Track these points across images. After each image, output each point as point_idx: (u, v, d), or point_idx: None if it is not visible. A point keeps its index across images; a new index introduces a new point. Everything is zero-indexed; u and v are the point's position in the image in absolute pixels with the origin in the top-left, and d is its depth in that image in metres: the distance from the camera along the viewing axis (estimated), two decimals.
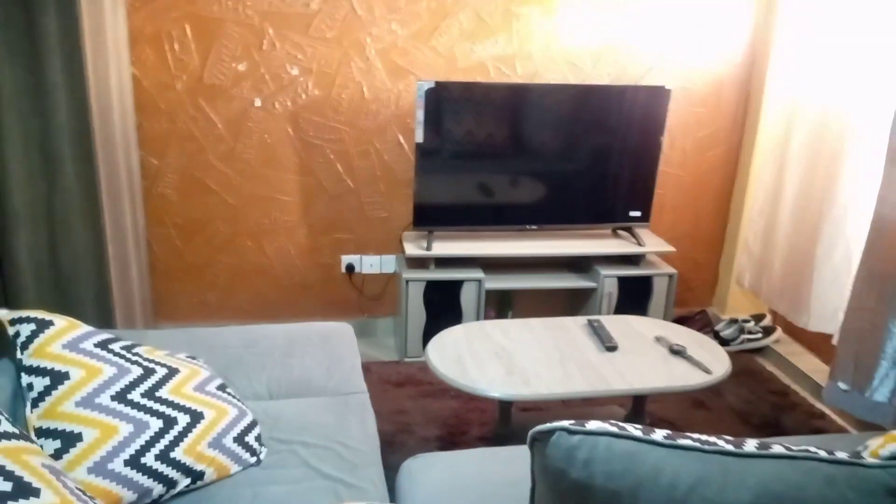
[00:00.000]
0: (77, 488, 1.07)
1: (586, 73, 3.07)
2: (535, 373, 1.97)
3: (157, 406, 1.43)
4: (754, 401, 2.77)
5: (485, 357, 2.04)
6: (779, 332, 3.16)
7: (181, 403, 1.47)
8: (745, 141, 3.28)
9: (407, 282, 2.88)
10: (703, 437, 0.99)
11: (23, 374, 1.38)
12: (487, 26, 2.93)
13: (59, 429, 1.32)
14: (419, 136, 2.79)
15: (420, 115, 2.75)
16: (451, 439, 2.43)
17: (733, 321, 3.21)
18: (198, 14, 2.73)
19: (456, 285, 2.92)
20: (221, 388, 1.61)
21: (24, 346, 1.39)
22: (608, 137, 2.96)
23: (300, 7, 2.78)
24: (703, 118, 3.23)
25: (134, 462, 1.34)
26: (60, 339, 1.42)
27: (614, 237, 3.16)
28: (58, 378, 1.37)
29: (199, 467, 1.42)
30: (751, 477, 0.93)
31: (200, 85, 2.82)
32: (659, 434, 0.98)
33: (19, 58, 2.15)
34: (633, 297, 3.05)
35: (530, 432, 1.00)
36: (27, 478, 0.98)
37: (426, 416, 2.55)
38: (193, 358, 1.72)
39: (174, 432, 1.42)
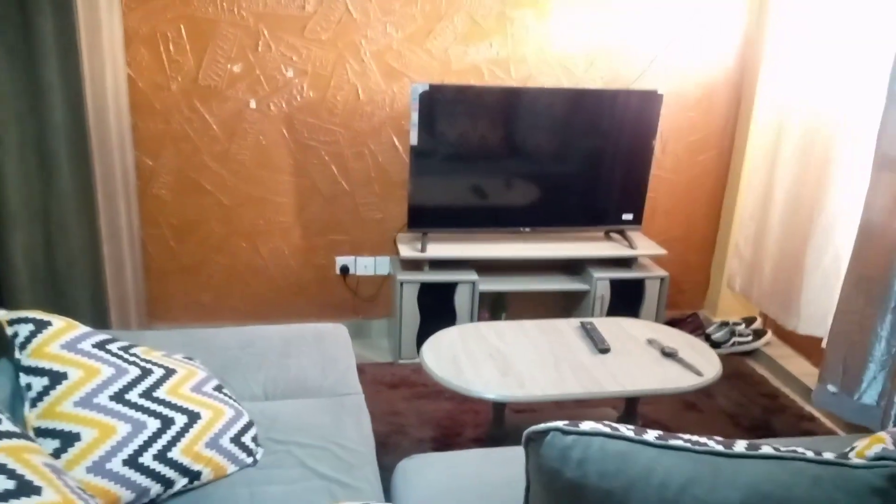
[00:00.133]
0: (77, 487, 1.08)
1: (579, 76, 3.09)
2: (529, 374, 1.99)
3: (154, 406, 1.44)
4: (745, 403, 2.80)
5: (479, 359, 2.06)
6: (769, 336, 3.19)
7: (178, 404, 1.48)
8: (736, 145, 3.32)
9: (401, 283, 2.89)
10: (694, 438, 1.01)
11: (21, 374, 1.38)
12: (481, 29, 2.95)
13: (58, 428, 1.33)
14: (413, 139, 2.81)
15: (414, 117, 2.77)
16: (445, 441, 2.44)
17: (724, 324, 3.24)
18: (193, 15, 2.74)
19: (450, 287, 2.93)
20: (218, 388, 1.62)
21: (23, 347, 1.40)
22: (601, 141, 2.98)
23: (295, 9, 2.80)
24: (695, 122, 3.26)
25: (132, 462, 1.35)
26: (59, 340, 1.43)
27: (607, 240, 3.19)
28: (56, 378, 1.38)
29: (196, 467, 1.44)
30: (740, 477, 0.95)
31: (195, 86, 2.82)
32: (651, 435, 1.00)
33: (16, 58, 2.15)
34: (626, 300, 3.08)
35: (525, 432, 1.02)
36: (29, 476, 0.99)
37: (420, 418, 2.57)
38: (190, 359, 1.73)
39: (172, 432, 1.43)
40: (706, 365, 2.11)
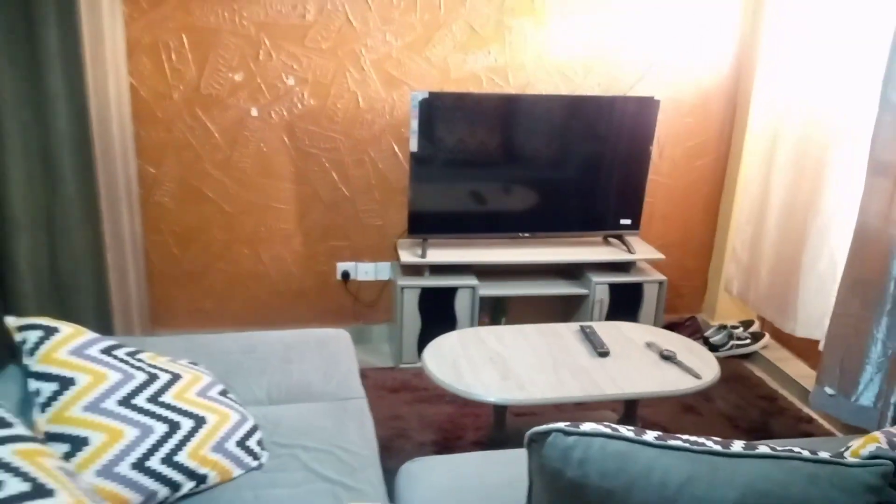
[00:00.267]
0: (90, 490, 1.10)
1: (577, 83, 3.12)
2: (529, 378, 2.01)
3: (161, 411, 1.46)
4: (743, 405, 2.82)
5: (480, 363, 2.08)
6: (767, 338, 3.21)
7: (185, 408, 1.50)
8: (732, 151, 3.35)
9: (402, 289, 2.91)
10: (693, 438, 1.04)
11: (30, 380, 1.41)
12: (480, 37, 2.98)
13: (67, 433, 1.35)
14: (413, 146, 2.83)
15: (414, 124, 2.80)
16: (447, 444, 2.46)
17: (722, 327, 3.26)
18: (194, 25, 2.77)
19: (450, 292, 2.96)
20: (223, 393, 1.65)
21: (32, 353, 1.42)
22: (599, 147, 3.01)
23: (296, 18, 2.83)
24: (692, 128, 3.29)
25: (140, 465, 1.37)
26: (67, 346, 1.45)
27: (605, 245, 3.21)
28: (65, 383, 1.40)
29: (202, 471, 1.45)
30: (738, 476, 0.97)
31: (197, 94, 2.85)
32: (650, 435, 1.02)
33: (20, 67, 2.18)
34: (625, 304, 3.10)
35: (527, 433, 1.04)
36: (42, 479, 1.01)
37: (422, 422, 2.59)
38: (195, 364, 1.75)
39: (178, 436, 1.45)
40: (704, 368, 2.13)
